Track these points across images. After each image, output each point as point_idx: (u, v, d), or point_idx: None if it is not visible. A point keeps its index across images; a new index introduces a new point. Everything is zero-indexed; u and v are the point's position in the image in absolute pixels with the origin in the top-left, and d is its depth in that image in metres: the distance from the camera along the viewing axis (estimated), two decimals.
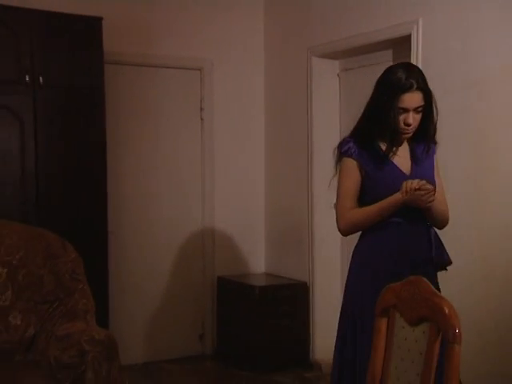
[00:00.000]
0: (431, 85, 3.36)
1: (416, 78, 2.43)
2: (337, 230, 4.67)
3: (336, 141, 4.53)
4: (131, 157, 4.62)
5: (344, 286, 4.67)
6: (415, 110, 2.45)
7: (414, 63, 3.68)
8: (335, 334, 4.71)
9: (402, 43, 3.84)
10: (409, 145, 2.58)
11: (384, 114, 2.45)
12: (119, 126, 4.49)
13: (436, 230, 2.58)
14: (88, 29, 3.90)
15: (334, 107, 4.61)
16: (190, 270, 4.86)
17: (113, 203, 4.24)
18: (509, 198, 3.20)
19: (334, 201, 4.58)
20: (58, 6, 3.87)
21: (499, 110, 3.25)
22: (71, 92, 3.87)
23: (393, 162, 2.52)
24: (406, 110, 2.44)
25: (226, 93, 4.91)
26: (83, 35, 3.89)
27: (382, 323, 1.87)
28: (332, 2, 4.39)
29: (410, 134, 2.51)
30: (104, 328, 3.08)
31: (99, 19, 3.89)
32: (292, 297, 4.57)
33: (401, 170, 2.52)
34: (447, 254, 2.57)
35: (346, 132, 4.44)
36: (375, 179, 2.51)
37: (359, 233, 2.63)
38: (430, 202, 2.41)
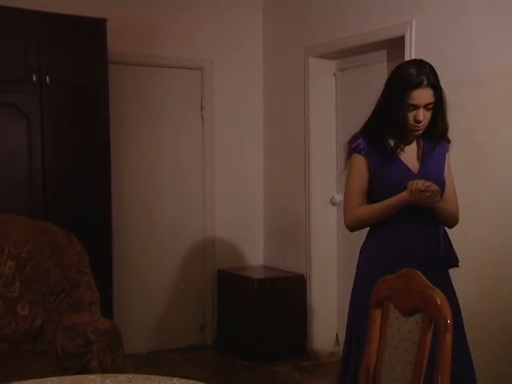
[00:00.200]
0: None
1: (427, 75, 2.36)
2: (332, 224, 4.82)
3: (332, 138, 4.69)
4: (134, 154, 4.65)
5: (338, 276, 4.80)
6: (426, 106, 2.38)
7: None
8: (331, 324, 4.86)
9: (396, 44, 3.87)
10: (420, 142, 2.52)
11: (394, 110, 2.39)
12: (123, 124, 4.51)
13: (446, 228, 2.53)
14: (93, 30, 3.91)
15: (330, 106, 4.64)
16: (191, 264, 4.89)
17: (117, 199, 4.27)
18: (501, 196, 3.22)
19: (332, 196, 4.73)
20: (64, 7, 3.90)
21: (490, 109, 3.27)
22: (77, 91, 3.88)
23: (400, 160, 2.46)
24: (416, 107, 2.38)
25: (226, 92, 4.93)
26: (88, 36, 3.91)
27: (377, 314, 1.89)
28: (329, 4, 4.40)
29: (421, 132, 2.45)
30: (108, 319, 3.11)
31: (104, 20, 3.91)
32: (289, 289, 4.60)
33: (408, 168, 2.46)
34: (455, 252, 2.52)
35: (342, 130, 4.61)
36: (382, 176, 2.46)
37: (364, 228, 2.62)
38: (435, 202, 2.36)
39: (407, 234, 2.45)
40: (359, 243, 4.50)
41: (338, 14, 4.33)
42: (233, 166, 5.02)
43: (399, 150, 2.46)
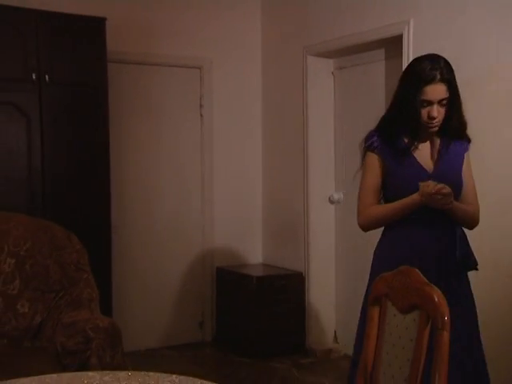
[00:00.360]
0: None
1: (440, 69, 2.29)
2: (331, 222, 4.83)
3: (331, 137, 4.70)
4: (133, 153, 4.66)
5: (336, 274, 4.82)
6: (440, 102, 2.31)
7: (406, 62, 3.66)
8: (330, 321, 4.87)
9: (394, 43, 3.88)
10: (436, 140, 2.44)
11: (407, 106, 2.33)
12: (122, 122, 4.52)
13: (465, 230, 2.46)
14: (92, 28, 3.93)
15: (328, 104, 4.65)
16: (190, 261, 4.91)
17: (116, 196, 4.29)
18: (499, 196, 3.23)
19: (330, 195, 4.74)
20: (63, 6, 3.91)
21: (488, 108, 3.27)
22: (76, 89, 3.90)
23: (415, 158, 2.40)
24: (429, 103, 2.31)
25: (225, 90, 4.94)
26: (87, 35, 3.92)
27: (375, 311, 1.89)
28: (327, 3, 4.41)
29: (436, 128, 2.37)
30: (108, 316, 3.11)
31: (103, 19, 3.92)
32: (288, 286, 4.61)
33: (422, 167, 2.39)
34: (473, 254, 2.44)
35: (341, 128, 4.62)
36: (395, 175, 2.40)
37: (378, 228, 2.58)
38: (447, 204, 2.28)
39: (422, 235, 2.38)
40: (357, 241, 4.56)
41: (337, 13, 4.34)
42: (232, 164, 5.03)
43: (413, 148, 2.39)
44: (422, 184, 2.28)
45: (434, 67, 2.30)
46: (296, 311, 4.66)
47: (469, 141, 2.49)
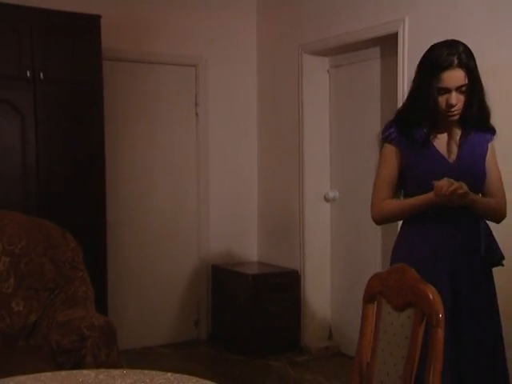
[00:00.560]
0: None
1: (458, 54, 2.20)
2: (326, 220, 4.84)
3: (326, 135, 4.71)
4: (129, 151, 4.65)
5: (332, 272, 4.82)
6: (458, 89, 2.21)
7: (401, 60, 3.73)
8: (325, 319, 4.88)
9: (390, 41, 3.89)
10: (456, 130, 2.33)
11: (424, 94, 2.22)
12: (117, 121, 4.51)
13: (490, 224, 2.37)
14: (87, 26, 3.91)
15: (324, 102, 4.65)
16: (185, 259, 4.91)
17: (111, 195, 4.28)
18: None
19: (326, 193, 4.75)
20: (58, 4, 3.87)
21: None
22: (71, 87, 3.88)
23: (435, 149, 2.30)
24: (447, 90, 2.21)
25: (220, 89, 4.94)
26: (82, 32, 3.91)
27: (370, 309, 1.89)
28: (322, 1, 4.42)
29: (456, 117, 2.26)
30: (103, 314, 3.11)
31: (98, 17, 3.91)
32: (283, 284, 4.62)
33: (444, 158, 2.30)
34: (499, 248, 2.34)
35: (336, 127, 4.62)
36: (415, 166, 2.31)
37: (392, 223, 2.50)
38: (464, 203, 2.19)
39: (442, 231, 2.28)
40: (353, 239, 4.56)
41: (332, 11, 4.35)
42: (227, 162, 5.03)
43: (432, 137, 2.29)
44: (436, 184, 2.19)
45: (451, 52, 2.20)
46: (291, 309, 4.67)
47: (493, 131, 2.39)
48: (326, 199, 4.69)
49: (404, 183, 2.39)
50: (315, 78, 4.63)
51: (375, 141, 4.25)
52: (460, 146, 2.32)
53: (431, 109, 2.23)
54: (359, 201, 4.43)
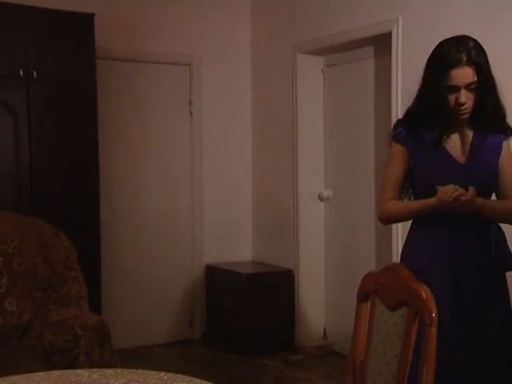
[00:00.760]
0: (410, 81, 3.32)
1: (467, 51, 2.12)
2: (320, 219, 4.84)
3: (320, 134, 4.71)
4: (122, 150, 4.65)
5: (326, 271, 4.83)
6: (467, 87, 2.14)
7: (395, 59, 3.74)
8: (319, 318, 4.89)
9: (383, 40, 3.91)
10: (468, 129, 2.25)
11: (433, 93, 2.16)
12: (111, 120, 4.51)
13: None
14: (80, 25, 3.91)
15: (318, 101, 4.66)
16: (179, 259, 4.90)
17: (105, 194, 4.27)
18: None
19: (320, 192, 4.76)
20: (51, 2, 3.88)
21: None
22: (64, 86, 3.88)
23: (445, 149, 2.23)
24: (456, 88, 2.14)
25: (215, 88, 4.94)
26: (76, 31, 3.91)
27: (363, 308, 1.90)
28: (317, 0, 4.42)
29: (467, 115, 2.19)
30: (96, 314, 3.12)
31: (91, 15, 3.91)
32: (278, 284, 4.63)
33: (454, 158, 2.23)
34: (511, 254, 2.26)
35: (330, 126, 4.63)
36: (424, 167, 2.25)
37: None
38: (468, 211, 2.13)
39: (450, 235, 2.21)
40: (347, 238, 4.56)
41: (326, 11, 4.36)
42: (221, 161, 5.03)
43: (444, 138, 2.22)
44: (440, 189, 2.12)
45: (459, 49, 2.13)
46: (285, 308, 4.67)
47: (510, 131, 2.30)
48: (321, 199, 4.69)
49: (413, 183, 2.35)
50: (309, 77, 4.64)
51: (370, 140, 4.27)
52: (471, 147, 2.24)
53: (441, 107, 2.17)
54: (353, 200, 4.44)
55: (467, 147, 2.25)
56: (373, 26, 3.93)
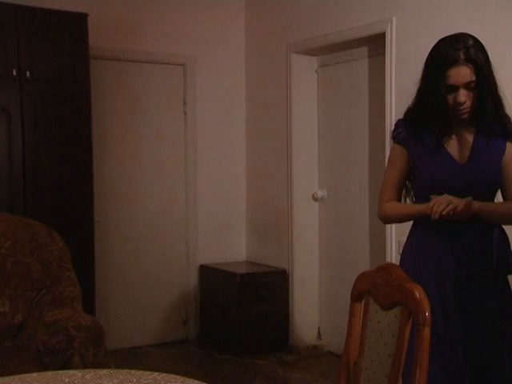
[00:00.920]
0: (404, 81, 3.32)
1: (465, 49, 2.08)
2: (315, 219, 4.85)
3: (314, 134, 4.72)
4: (117, 149, 4.64)
5: (320, 271, 4.84)
6: (466, 86, 2.10)
7: (389, 60, 3.74)
8: (313, 318, 4.90)
9: (377, 40, 3.91)
10: (468, 131, 2.21)
11: (432, 93, 2.13)
12: (105, 119, 4.51)
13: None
14: (74, 24, 3.90)
15: (312, 101, 4.66)
16: (173, 259, 4.90)
17: (99, 194, 4.27)
18: None
19: (314, 192, 4.77)
20: (44, 1, 3.88)
21: None
22: (58, 86, 3.86)
23: (445, 150, 2.20)
24: (455, 88, 2.10)
25: (209, 88, 4.94)
26: (69, 30, 3.88)
27: (357, 308, 1.90)
28: (311, 1, 4.42)
29: (466, 115, 2.15)
30: (90, 314, 3.11)
31: (85, 15, 3.90)
32: (272, 284, 4.63)
33: (453, 159, 2.19)
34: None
35: (324, 126, 4.63)
36: (424, 167, 2.22)
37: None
38: (462, 219, 2.10)
39: (450, 234, 2.18)
40: (341, 238, 4.56)
41: (320, 11, 4.36)
42: (215, 161, 5.03)
43: (445, 139, 2.19)
44: (433, 199, 2.10)
45: (457, 48, 2.08)
46: (280, 308, 4.67)
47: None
48: (315, 198, 4.70)
49: (413, 184, 2.33)
50: (303, 77, 4.64)
51: (364, 140, 4.28)
52: (472, 147, 2.20)
53: (440, 107, 2.14)
54: (348, 200, 4.44)
55: (467, 148, 2.21)
56: (367, 26, 3.94)
